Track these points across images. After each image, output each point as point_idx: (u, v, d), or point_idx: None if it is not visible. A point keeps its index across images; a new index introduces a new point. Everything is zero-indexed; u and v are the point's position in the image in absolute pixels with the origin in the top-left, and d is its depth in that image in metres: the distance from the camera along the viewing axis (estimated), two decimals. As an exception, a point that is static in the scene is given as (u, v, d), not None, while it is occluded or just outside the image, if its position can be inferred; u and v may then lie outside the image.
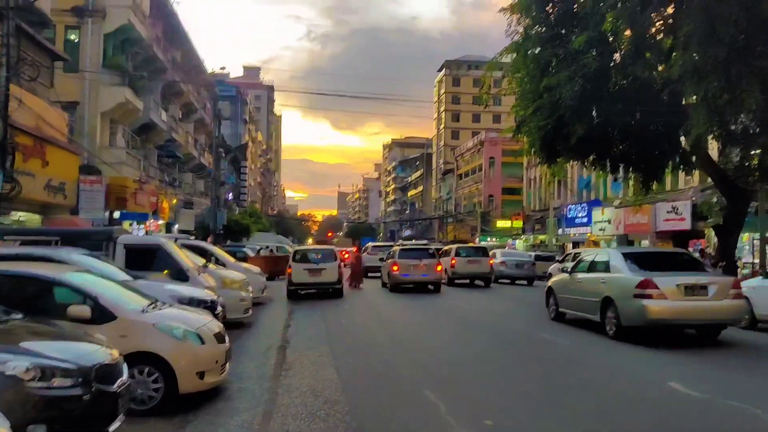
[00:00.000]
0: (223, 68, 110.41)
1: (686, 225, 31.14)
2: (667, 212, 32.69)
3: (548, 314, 15.11)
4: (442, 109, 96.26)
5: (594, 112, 19.35)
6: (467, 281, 27.24)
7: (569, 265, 17.43)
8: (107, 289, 6.44)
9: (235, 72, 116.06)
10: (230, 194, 70.13)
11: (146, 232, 31.44)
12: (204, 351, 6.30)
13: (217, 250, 16.92)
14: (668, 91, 17.14)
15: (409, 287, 22.65)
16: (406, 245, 32.33)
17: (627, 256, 12.80)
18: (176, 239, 16.72)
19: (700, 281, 11.39)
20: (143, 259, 10.19)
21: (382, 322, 13.82)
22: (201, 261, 11.90)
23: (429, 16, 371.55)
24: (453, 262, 26.70)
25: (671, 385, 7.61)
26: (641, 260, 12.73)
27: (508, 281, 29.89)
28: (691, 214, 30.91)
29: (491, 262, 28.18)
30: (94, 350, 4.82)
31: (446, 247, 31.45)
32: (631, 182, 26.04)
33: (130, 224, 28.77)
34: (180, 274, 10.07)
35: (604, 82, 18.99)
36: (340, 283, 20.08)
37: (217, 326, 6.83)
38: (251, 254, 35.53)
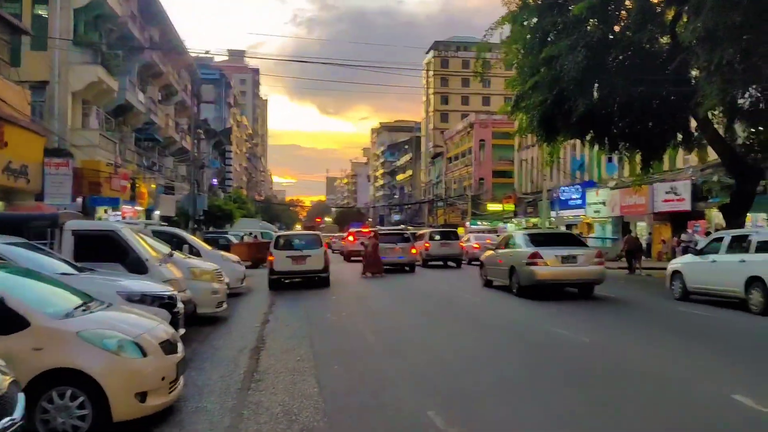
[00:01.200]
0: (207, 52, 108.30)
1: (686, 206, 30.07)
2: (666, 193, 31.59)
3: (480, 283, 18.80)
4: (431, 91, 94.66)
5: (596, 86, 18.17)
6: (441, 263, 29.47)
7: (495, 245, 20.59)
8: (22, 288, 5.11)
9: (220, 57, 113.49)
10: (215, 179, 68.47)
11: (123, 218, 30.07)
12: (146, 365, 4.93)
13: (192, 238, 15.60)
14: (679, 60, 15.91)
15: (389, 268, 24.36)
16: (382, 230, 33.15)
17: (527, 236, 16.99)
18: (145, 225, 15.38)
19: (572, 253, 15.48)
20: (95, 248, 8.83)
21: (371, 316, 12.27)
22: (166, 249, 10.54)
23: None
24: (427, 245, 29.04)
25: (553, 329, 10.42)
26: (537, 239, 16.70)
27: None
28: (691, 194, 29.83)
29: (462, 244, 30.76)
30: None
31: (420, 231, 33.89)
32: (630, 161, 24.93)
33: (105, 210, 27.35)
34: (137, 265, 8.71)
35: (606, 53, 17.76)
36: (326, 270, 18.65)
37: (165, 332, 5.48)
38: (234, 241, 34.28)
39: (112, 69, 28.03)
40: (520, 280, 15.58)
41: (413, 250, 25.89)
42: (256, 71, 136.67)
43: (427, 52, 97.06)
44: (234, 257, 16.88)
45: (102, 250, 8.89)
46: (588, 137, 22.55)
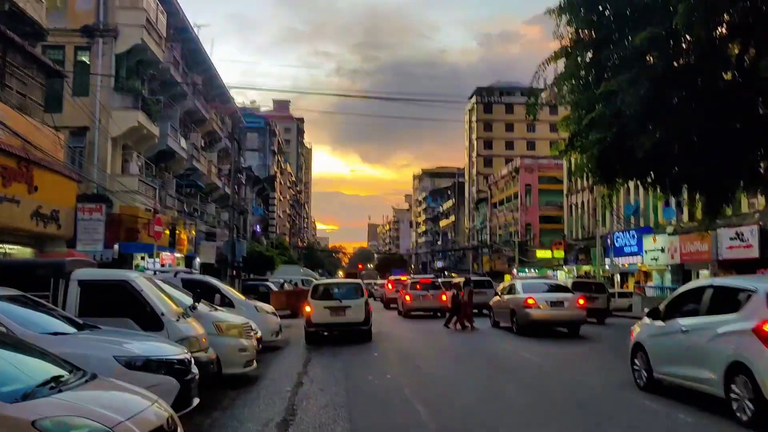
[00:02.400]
0: (253, 102, 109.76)
1: (753, 252, 27.94)
2: (731, 239, 29.49)
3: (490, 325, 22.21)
4: (474, 136, 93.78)
5: (659, 123, 16.71)
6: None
7: (500, 291, 23.35)
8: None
9: (265, 107, 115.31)
10: (258, 226, 68.33)
11: (162, 265, 29.40)
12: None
13: (225, 287, 14.50)
14: (761, 100, 14.44)
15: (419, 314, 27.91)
16: (415, 278, 35.37)
17: (524, 285, 20.93)
18: (175, 273, 14.39)
19: (559, 298, 19.56)
20: (104, 301, 7.78)
21: (419, 379, 10.98)
22: (189, 301, 9.41)
23: (456, 49, 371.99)
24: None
25: (523, 354, 13.21)
26: (532, 287, 20.66)
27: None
28: (758, 240, 27.73)
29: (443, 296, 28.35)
30: None
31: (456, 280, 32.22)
32: (694, 205, 23.17)
33: (143, 258, 26.71)
34: (151, 321, 7.58)
35: (669, 88, 16.35)
36: (367, 323, 17.08)
37: (157, 415, 4.25)
38: (274, 289, 33.26)
39: (153, 114, 27.80)
40: (518, 321, 19.36)
41: (443, 297, 27.46)
42: (300, 120, 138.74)
43: (470, 98, 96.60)
44: (269, 308, 15.67)
45: (112, 302, 7.82)
46: (649, 180, 20.95)
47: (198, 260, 34.41)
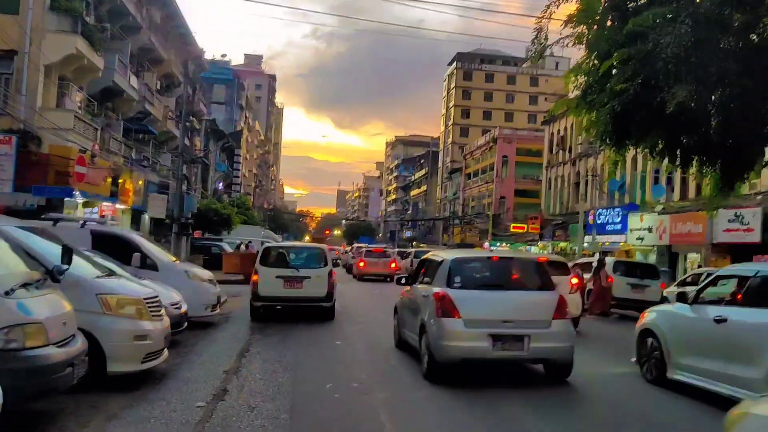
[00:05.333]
0: (224, 56, 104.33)
1: (754, 237, 25.66)
2: (729, 221, 27.14)
3: None
4: (452, 104, 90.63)
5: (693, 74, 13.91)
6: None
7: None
8: None
9: (238, 62, 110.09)
10: (220, 183, 64.72)
11: (101, 216, 26.05)
12: None
13: (148, 244, 11.39)
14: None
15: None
16: (369, 247, 40.05)
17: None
18: (84, 223, 11.24)
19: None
20: None
21: (404, 396, 7.72)
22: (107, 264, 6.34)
23: (436, 19, 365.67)
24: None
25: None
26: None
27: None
28: (761, 223, 25.47)
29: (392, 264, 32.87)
30: None
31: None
32: (703, 179, 20.63)
33: (83, 205, 23.32)
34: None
35: (714, 33, 13.53)
36: (330, 299, 13.90)
37: None
38: (228, 250, 30.17)
39: (96, 43, 24.16)
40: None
41: (392, 264, 32.39)
42: (272, 77, 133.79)
43: (450, 64, 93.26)
44: (205, 273, 12.50)
45: None
46: (659, 146, 18.24)
47: (146, 215, 31.09)
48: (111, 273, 7.45)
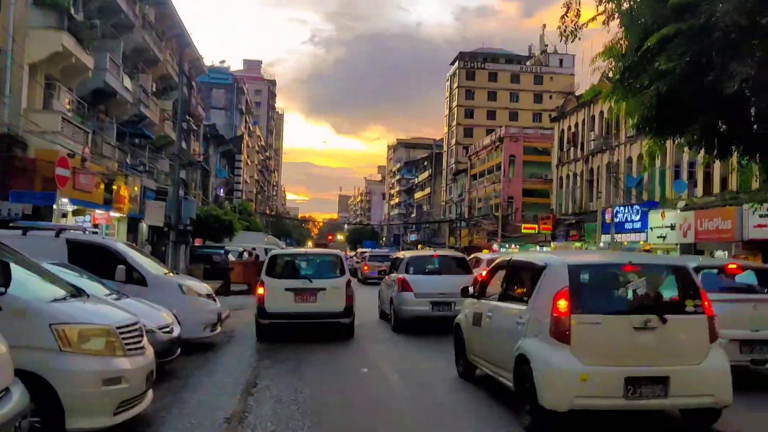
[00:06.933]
0: (222, 61, 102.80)
1: (790, 233, 24.11)
2: (761, 216, 25.50)
3: None
4: (455, 104, 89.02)
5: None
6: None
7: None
8: None
9: (237, 68, 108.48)
10: (221, 189, 63.15)
11: (94, 226, 24.50)
12: None
13: (136, 255, 9.76)
14: None
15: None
16: (374, 252, 43.35)
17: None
18: (59, 232, 9.63)
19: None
20: None
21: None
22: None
23: (433, 22, 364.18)
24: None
25: None
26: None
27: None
28: (798, 218, 23.88)
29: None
30: None
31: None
32: (745, 171, 19.08)
33: (73, 214, 21.75)
34: None
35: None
36: (349, 314, 12.11)
37: None
38: (231, 258, 28.59)
39: (85, 41, 22.63)
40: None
41: None
42: (272, 82, 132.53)
43: (452, 64, 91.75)
44: (202, 287, 10.67)
45: None
46: (695, 136, 16.58)
47: (144, 223, 29.56)
48: (77, 293, 5.78)
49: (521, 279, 7.81)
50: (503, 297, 7.95)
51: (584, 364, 6.10)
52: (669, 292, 7.08)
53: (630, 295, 6.73)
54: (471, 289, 9.19)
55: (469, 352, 8.56)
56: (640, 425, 6.74)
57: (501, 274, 8.36)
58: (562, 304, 6.22)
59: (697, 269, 8.43)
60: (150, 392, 5.75)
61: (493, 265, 9.30)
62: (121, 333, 5.50)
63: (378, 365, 9.98)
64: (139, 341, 5.73)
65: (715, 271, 10.10)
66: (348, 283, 12.30)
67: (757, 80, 11.93)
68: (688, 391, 6.28)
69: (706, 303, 6.63)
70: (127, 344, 5.50)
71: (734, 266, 10.20)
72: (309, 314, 11.95)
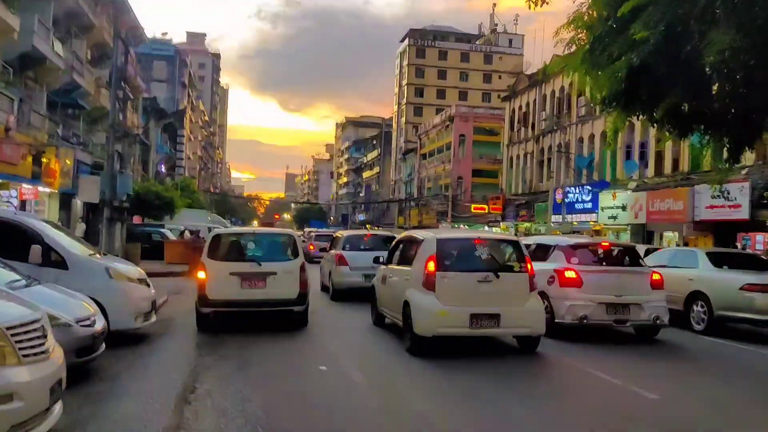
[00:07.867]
0: (164, 34, 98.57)
1: (742, 214, 24.15)
2: (712, 197, 25.50)
3: None
4: (405, 82, 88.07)
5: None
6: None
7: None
8: None
9: (180, 41, 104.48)
10: (162, 165, 60.72)
11: (21, 202, 22.67)
12: None
13: (54, 233, 8.42)
14: None
15: None
16: (319, 232, 43.39)
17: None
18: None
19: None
20: None
21: None
22: None
23: (380, 1, 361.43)
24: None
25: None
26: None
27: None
28: (749, 199, 23.93)
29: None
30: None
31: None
32: (710, 149, 18.71)
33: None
34: None
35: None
36: (303, 300, 10.91)
37: None
38: (172, 237, 27.06)
39: (9, 0, 20.67)
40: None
41: None
42: (216, 56, 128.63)
43: (402, 41, 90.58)
44: (134, 271, 9.29)
45: None
46: (660, 113, 16.03)
47: (78, 199, 27.70)
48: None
49: (410, 249, 10.36)
50: (399, 262, 10.87)
51: (444, 305, 8.91)
52: (503, 258, 10.03)
53: (476, 259, 9.56)
54: (381, 258, 12.18)
55: (379, 304, 11.48)
56: (485, 349, 9.62)
57: (399, 246, 11.37)
58: (431, 265, 9.06)
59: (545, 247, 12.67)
60: (58, 406, 4.52)
61: (395, 240, 12.39)
62: (15, 335, 4.23)
63: (338, 361, 8.80)
64: (42, 343, 4.45)
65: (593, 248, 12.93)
66: (302, 267, 11.01)
67: (738, 51, 11.30)
68: (513, 324, 9.28)
69: (528, 265, 9.54)
70: (23, 348, 4.25)
71: (606, 244, 13.27)
72: (257, 302, 10.63)
